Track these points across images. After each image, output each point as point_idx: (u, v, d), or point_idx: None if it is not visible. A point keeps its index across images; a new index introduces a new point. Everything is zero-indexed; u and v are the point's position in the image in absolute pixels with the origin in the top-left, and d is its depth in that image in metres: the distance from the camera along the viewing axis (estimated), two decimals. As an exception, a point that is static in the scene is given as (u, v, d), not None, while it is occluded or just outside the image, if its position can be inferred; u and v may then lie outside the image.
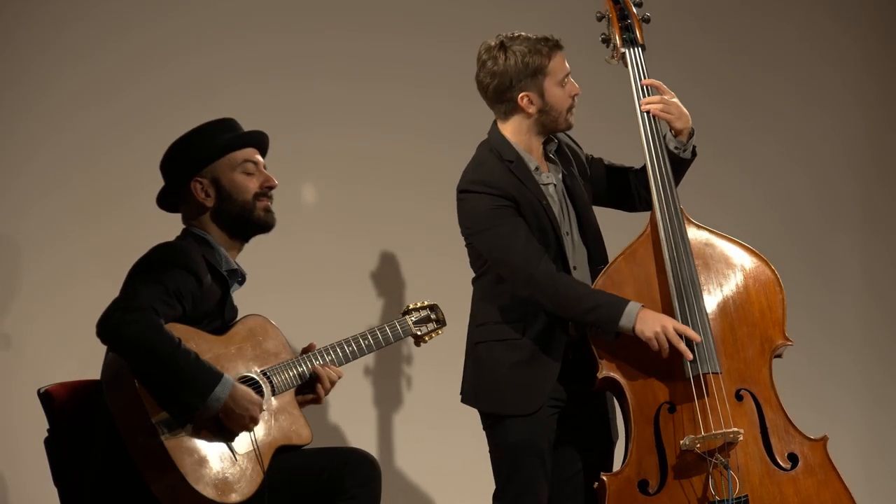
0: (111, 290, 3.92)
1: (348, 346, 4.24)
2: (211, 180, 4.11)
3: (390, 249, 5.65)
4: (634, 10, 4.56)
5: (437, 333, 4.52)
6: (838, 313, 6.34)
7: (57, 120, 5.24)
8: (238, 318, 4.15)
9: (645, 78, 4.50)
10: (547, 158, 4.52)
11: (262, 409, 3.96)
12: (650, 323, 4.27)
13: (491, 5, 5.80)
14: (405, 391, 5.66)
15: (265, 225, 4.17)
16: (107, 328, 3.81)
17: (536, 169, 4.47)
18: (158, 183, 4.20)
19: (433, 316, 4.51)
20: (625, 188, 4.63)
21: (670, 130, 4.48)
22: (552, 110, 4.43)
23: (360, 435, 5.55)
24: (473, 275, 4.53)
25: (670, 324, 4.28)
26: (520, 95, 4.41)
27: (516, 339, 4.43)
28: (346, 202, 5.62)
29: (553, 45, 4.41)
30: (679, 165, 4.50)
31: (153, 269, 3.94)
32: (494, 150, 4.46)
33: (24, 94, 5.21)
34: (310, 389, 4.20)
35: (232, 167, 4.13)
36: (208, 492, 3.82)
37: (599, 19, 4.57)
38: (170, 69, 5.36)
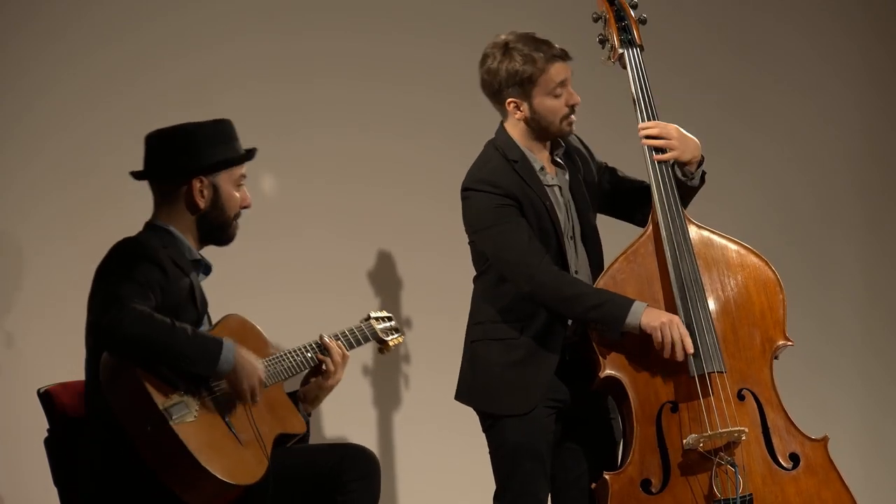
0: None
1: (319, 349, 4.28)
2: (211, 184, 4.11)
3: (388, 250, 5.65)
4: (631, 11, 4.56)
5: (399, 341, 4.57)
6: (837, 314, 6.34)
7: (57, 120, 5.23)
8: (217, 319, 4.15)
9: (645, 79, 4.50)
10: (554, 162, 4.53)
11: (263, 375, 3.99)
12: (656, 315, 4.29)
13: (492, 6, 5.80)
14: (405, 390, 5.66)
15: (230, 241, 4.19)
16: (102, 333, 3.82)
17: (542, 169, 4.49)
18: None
19: (394, 325, 4.56)
20: (630, 202, 4.63)
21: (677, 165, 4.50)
22: (541, 119, 4.43)
23: (361, 433, 5.55)
24: (472, 275, 4.54)
25: (676, 319, 4.30)
26: (507, 101, 4.44)
27: (513, 339, 4.45)
28: (343, 202, 5.62)
29: (551, 56, 4.40)
30: (686, 191, 4.51)
31: (119, 267, 3.95)
32: (500, 149, 4.48)
33: (24, 95, 5.21)
34: (317, 372, 4.26)
35: (232, 180, 4.14)
36: (222, 474, 3.84)
37: (595, 20, 4.58)
38: (170, 69, 5.36)
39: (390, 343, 4.53)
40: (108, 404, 3.88)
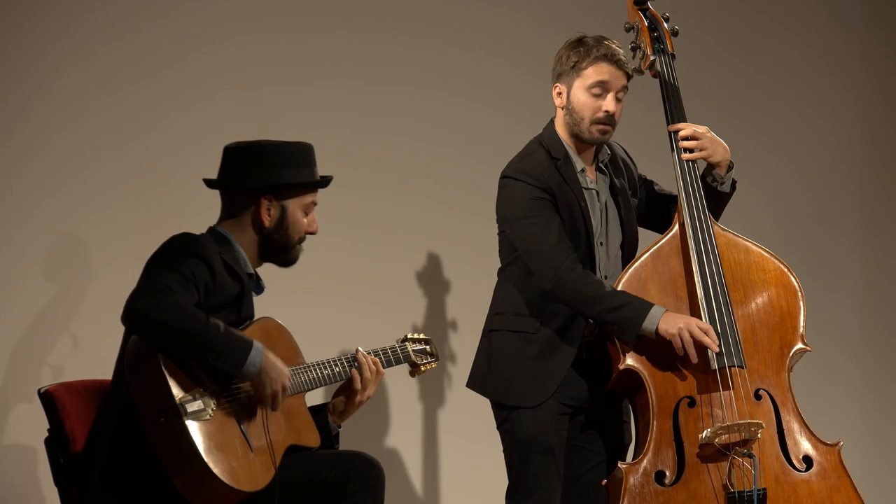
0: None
1: (349, 364, 4.25)
2: (280, 206, 4.12)
3: (387, 250, 5.65)
4: (665, 23, 4.63)
5: (431, 366, 4.50)
6: (837, 314, 6.35)
7: (57, 120, 5.23)
8: (251, 320, 4.15)
9: (676, 85, 4.56)
10: (598, 168, 4.55)
11: (288, 382, 3.98)
12: (673, 321, 4.31)
13: (492, 6, 5.80)
14: (413, 394, 5.67)
15: (291, 263, 4.20)
16: (133, 315, 3.81)
17: (582, 171, 4.51)
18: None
19: (428, 349, 4.50)
20: (663, 213, 4.66)
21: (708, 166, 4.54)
22: (573, 112, 4.46)
23: (365, 437, 5.55)
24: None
25: (693, 322, 4.32)
26: (554, 86, 4.49)
27: (531, 334, 4.47)
28: (342, 202, 5.61)
29: (603, 55, 4.41)
30: (717, 199, 4.56)
31: (168, 258, 3.95)
32: (545, 144, 4.51)
33: (24, 95, 5.20)
34: (347, 388, 4.23)
35: (301, 204, 4.14)
36: (226, 477, 3.84)
37: (628, 30, 4.64)
38: (170, 69, 5.36)
39: (422, 368, 4.47)
40: (128, 391, 3.87)
